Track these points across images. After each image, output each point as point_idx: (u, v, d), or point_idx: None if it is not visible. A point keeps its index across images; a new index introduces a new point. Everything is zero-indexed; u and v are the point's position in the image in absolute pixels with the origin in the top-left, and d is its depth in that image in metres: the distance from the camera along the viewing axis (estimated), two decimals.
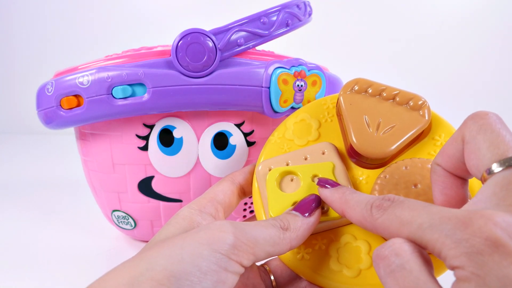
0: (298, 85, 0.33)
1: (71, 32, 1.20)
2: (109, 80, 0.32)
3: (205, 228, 0.20)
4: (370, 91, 0.27)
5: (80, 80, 0.32)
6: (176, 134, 0.35)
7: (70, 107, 0.33)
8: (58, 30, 1.20)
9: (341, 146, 0.28)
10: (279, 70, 0.33)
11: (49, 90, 0.33)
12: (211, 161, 0.36)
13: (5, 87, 1.26)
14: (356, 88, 0.28)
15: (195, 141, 0.36)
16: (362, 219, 0.20)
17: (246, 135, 0.36)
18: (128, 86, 0.32)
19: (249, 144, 0.37)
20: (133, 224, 0.39)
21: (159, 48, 0.35)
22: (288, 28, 0.35)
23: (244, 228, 0.20)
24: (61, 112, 0.33)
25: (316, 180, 0.26)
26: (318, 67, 0.35)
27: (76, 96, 0.33)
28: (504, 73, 1.10)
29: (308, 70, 0.34)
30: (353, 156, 0.27)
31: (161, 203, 0.37)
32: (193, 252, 0.18)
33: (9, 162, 0.87)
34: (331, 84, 0.37)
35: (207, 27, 0.33)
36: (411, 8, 1.11)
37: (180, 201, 0.37)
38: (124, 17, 1.18)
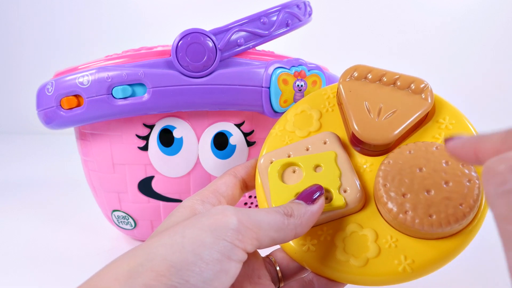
0: (298, 85, 0.33)
1: (71, 32, 1.20)
2: (109, 80, 0.32)
3: (206, 214, 0.19)
4: (370, 77, 0.27)
5: (80, 80, 0.32)
6: (176, 134, 0.35)
7: (70, 107, 0.33)
8: (58, 30, 1.20)
9: (344, 135, 0.28)
10: (279, 70, 0.33)
11: (49, 90, 0.33)
12: (211, 161, 0.36)
13: (5, 87, 1.26)
14: (356, 75, 0.27)
15: (195, 141, 0.36)
16: (500, 144, 0.16)
17: (246, 135, 0.36)
18: (128, 86, 0.32)
19: (249, 144, 0.37)
20: (133, 224, 0.39)
21: (159, 48, 0.35)
22: (288, 28, 0.35)
23: (248, 212, 0.20)
24: (61, 112, 0.33)
25: (317, 169, 0.26)
26: (318, 67, 0.35)
27: (76, 96, 0.33)
28: (504, 65, 1.10)
29: (308, 70, 0.34)
30: (356, 144, 0.26)
31: (161, 203, 0.37)
32: (194, 240, 0.18)
33: (9, 162, 0.87)
34: (331, 84, 0.37)
35: (207, 27, 0.33)
36: (411, 8, 1.11)
37: (180, 201, 0.37)
38: (124, 17, 1.18)
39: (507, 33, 1.09)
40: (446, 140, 0.21)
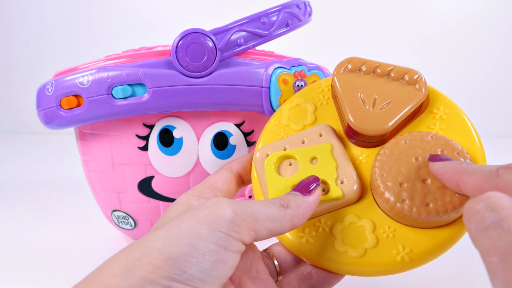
0: (298, 85, 0.33)
1: (71, 32, 1.20)
2: (109, 80, 0.32)
3: (202, 207, 0.20)
4: (363, 68, 0.27)
5: (80, 80, 0.32)
6: (176, 134, 0.35)
7: (70, 107, 0.33)
8: (58, 30, 1.20)
9: (339, 127, 0.28)
10: (279, 70, 0.33)
11: (49, 90, 0.33)
12: (211, 161, 0.36)
13: (5, 87, 1.26)
14: (350, 67, 0.28)
15: (195, 141, 0.36)
16: (482, 182, 0.18)
17: (246, 135, 0.36)
18: (128, 86, 0.32)
19: (249, 144, 0.37)
20: (133, 224, 0.39)
21: (159, 48, 0.35)
22: (288, 28, 0.35)
23: (243, 204, 0.20)
24: (61, 112, 0.33)
25: (314, 161, 0.26)
26: (318, 67, 0.35)
27: (76, 96, 0.33)
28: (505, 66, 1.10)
29: (308, 70, 0.34)
30: (351, 136, 0.27)
31: (161, 203, 0.37)
32: (190, 233, 0.18)
33: (9, 162, 0.87)
34: None
35: (207, 27, 0.33)
36: (411, 8, 1.11)
37: None
38: (124, 17, 1.18)
39: (503, 26, 1.09)
40: (431, 158, 0.22)
